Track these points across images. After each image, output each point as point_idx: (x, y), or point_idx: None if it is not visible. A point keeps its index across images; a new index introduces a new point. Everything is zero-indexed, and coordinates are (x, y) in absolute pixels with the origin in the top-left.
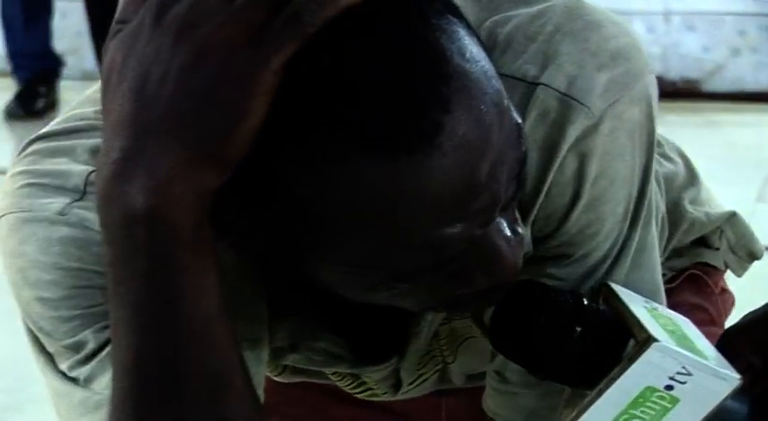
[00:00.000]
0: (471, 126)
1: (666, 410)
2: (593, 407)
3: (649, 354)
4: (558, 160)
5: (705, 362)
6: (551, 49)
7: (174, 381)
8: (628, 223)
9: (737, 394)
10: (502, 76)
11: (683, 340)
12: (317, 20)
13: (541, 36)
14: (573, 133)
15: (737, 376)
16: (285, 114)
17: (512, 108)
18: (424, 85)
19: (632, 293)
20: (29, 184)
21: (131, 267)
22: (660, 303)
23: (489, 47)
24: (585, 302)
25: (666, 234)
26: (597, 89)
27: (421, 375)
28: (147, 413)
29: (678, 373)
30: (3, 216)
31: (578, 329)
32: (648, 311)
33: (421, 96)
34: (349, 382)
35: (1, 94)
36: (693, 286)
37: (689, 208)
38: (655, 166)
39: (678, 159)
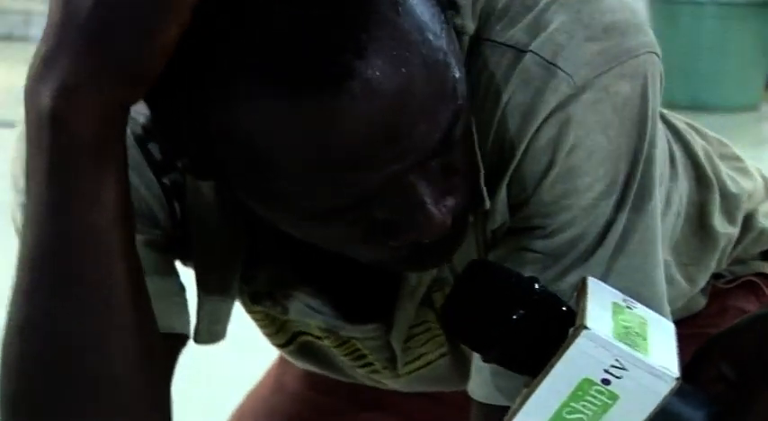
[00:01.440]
0: (387, 75)
1: (607, 407)
2: (533, 396)
3: (580, 342)
4: (535, 125)
5: (640, 356)
6: (544, 19)
7: (57, 282)
8: (612, 204)
9: (697, 401)
10: (495, 43)
11: (632, 337)
12: None
13: (538, 6)
14: (552, 100)
15: (675, 375)
16: (199, 47)
17: (452, 64)
18: (340, 27)
19: (609, 290)
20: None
21: (37, 163)
22: (652, 295)
23: (487, 12)
24: (536, 287)
25: (678, 231)
26: (583, 59)
27: (423, 355)
28: (32, 307)
29: (613, 366)
30: None
31: (521, 312)
32: (613, 306)
33: (335, 39)
34: (346, 351)
35: None
36: (750, 293)
37: (761, 219)
38: (660, 166)
39: (758, 177)
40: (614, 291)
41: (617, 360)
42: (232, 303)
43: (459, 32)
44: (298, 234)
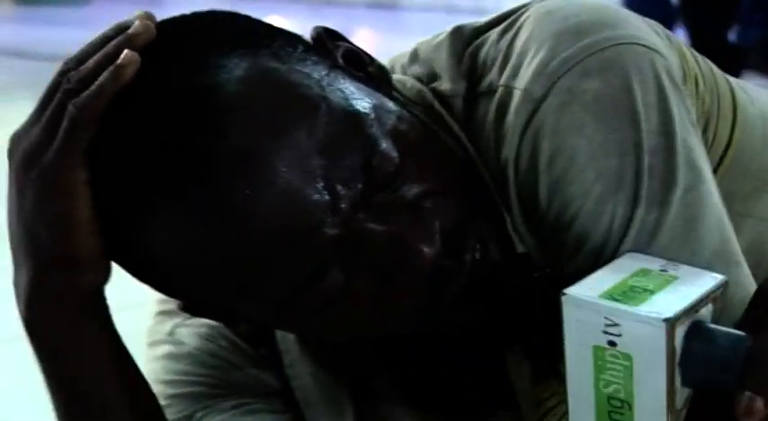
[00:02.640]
0: (252, 144)
1: (629, 368)
2: (568, 380)
3: (566, 310)
4: (514, 151)
5: (625, 308)
6: (510, 52)
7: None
8: (623, 203)
9: (729, 339)
10: (481, 94)
11: (631, 294)
12: (88, 115)
13: (505, 45)
14: (519, 120)
15: (662, 316)
16: (102, 199)
17: (333, 105)
18: (190, 121)
19: (648, 258)
20: (158, 313)
21: (38, 357)
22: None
23: (473, 69)
24: (548, 271)
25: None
26: (536, 70)
27: None
28: None
29: (607, 326)
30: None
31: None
32: (636, 271)
33: (189, 130)
34: None
35: None
36: None
37: None
38: (696, 152)
39: None
40: (657, 259)
41: (606, 318)
42: None
43: (449, 96)
44: (324, 332)
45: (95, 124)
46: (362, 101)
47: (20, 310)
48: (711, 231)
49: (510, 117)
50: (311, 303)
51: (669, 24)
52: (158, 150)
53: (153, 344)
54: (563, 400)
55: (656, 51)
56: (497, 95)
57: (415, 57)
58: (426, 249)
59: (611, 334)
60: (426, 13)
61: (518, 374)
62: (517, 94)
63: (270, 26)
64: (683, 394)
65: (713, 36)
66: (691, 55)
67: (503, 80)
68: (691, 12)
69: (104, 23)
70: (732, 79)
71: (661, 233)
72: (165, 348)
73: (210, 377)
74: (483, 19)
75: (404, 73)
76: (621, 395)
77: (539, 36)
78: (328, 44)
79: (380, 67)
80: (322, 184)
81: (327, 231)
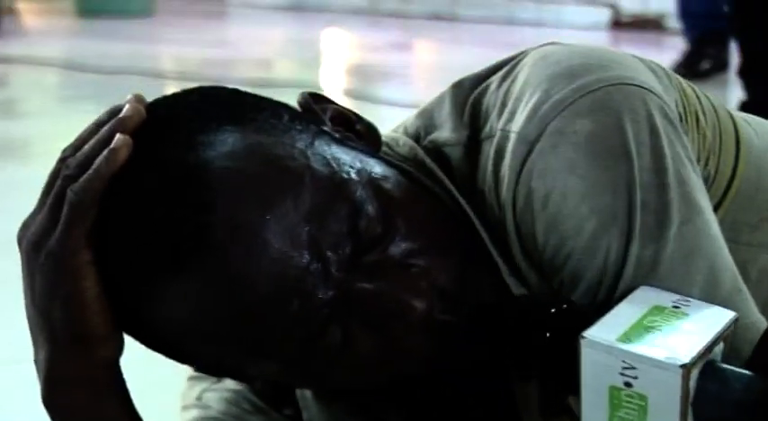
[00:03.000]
0: (241, 217)
1: (644, 408)
2: (584, 416)
3: (585, 352)
4: (511, 193)
5: (643, 353)
6: (507, 98)
7: None
8: (616, 239)
9: (742, 381)
10: (483, 140)
11: (647, 335)
12: (87, 199)
13: (504, 91)
14: (515, 163)
15: (680, 362)
16: (110, 279)
17: (317, 175)
18: (181, 198)
19: (663, 293)
20: (189, 378)
21: None
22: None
23: (475, 117)
24: (564, 307)
25: None
26: (530, 114)
27: None
28: None
29: (624, 368)
30: None
31: (547, 335)
32: (651, 309)
33: (180, 207)
34: None
35: (670, 54)
36: None
37: None
38: (693, 188)
39: None
40: (669, 294)
41: (623, 361)
42: None
43: (449, 145)
44: (333, 385)
45: (95, 206)
46: (347, 166)
47: (40, 388)
48: (702, 254)
49: (506, 160)
50: (314, 359)
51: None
52: (155, 227)
53: (184, 408)
54: None
55: (649, 90)
56: (496, 139)
57: (419, 112)
58: (416, 303)
59: (628, 376)
60: (486, 25)
61: (525, 407)
62: (512, 138)
63: (256, 98)
64: None
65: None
66: (692, 91)
67: (500, 124)
68: (740, 20)
69: (167, 37)
70: (736, 113)
71: (660, 267)
72: (194, 413)
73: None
74: (482, 69)
75: (406, 128)
76: None
77: (533, 81)
78: (315, 108)
79: (368, 125)
80: (311, 252)
81: (320, 295)
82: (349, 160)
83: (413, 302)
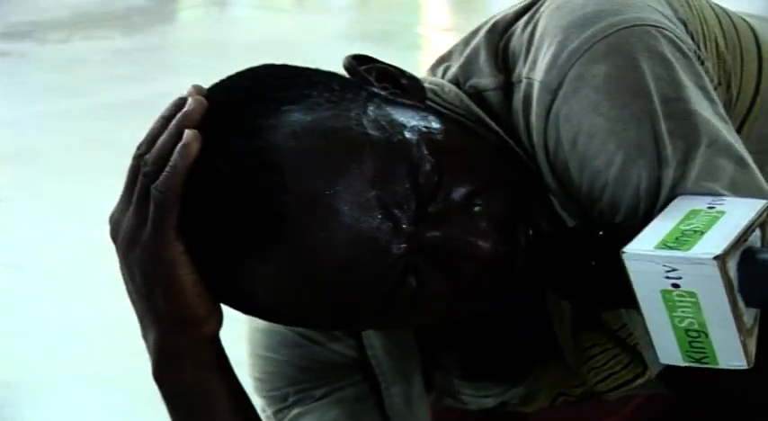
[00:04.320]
0: (312, 193)
1: (696, 304)
2: (649, 326)
3: (629, 266)
4: (542, 137)
5: (679, 254)
6: (530, 46)
7: None
8: (648, 166)
9: None
10: (513, 84)
11: (684, 239)
12: (170, 195)
13: (526, 38)
14: (540, 110)
15: (713, 253)
16: (205, 263)
17: (374, 141)
18: (255, 183)
19: (697, 198)
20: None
21: (166, 405)
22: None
23: (509, 63)
24: (600, 234)
25: None
26: (549, 63)
27: (612, 374)
28: None
29: (668, 271)
30: None
31: (592, 260)
32: (687, 214)
33: (256, 192)
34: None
35: None
36: None
37: None
38: (706, 110)
39: None
40: (704, 198)
41: (664, 265)
42: (421, 416)
43: (489, 90)
44: (409, 327)
45: (178, 200)
46: (400, 126)
47: (151, 365)
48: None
49: (533, 107)
50: (393, 307)
51: None
52: (237, 213)
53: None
54: (605, 349)
55: (660, 27)
56: (522, 87)
57: (454, 54)
58: (481, 243)
59: (673, 277)
60: None
61: (560, 325)
62: (536, 86)
63: (307, 73)
64: (750, 314)
65: None
66: (712, 13)
67: (525, 72)
68: None
69: None
70: (756, 23)
71: (686, 184)
72: (263, 322)
73: (298, 356)
74: (512, 10)
75: (445, 71)
76: (696, 326)
77: (550, 31)
78: (361, 71)
79: (412, 78)
80: (380, 212)
81: (394, 251)
82: (401, 119)
83: (478, 242)
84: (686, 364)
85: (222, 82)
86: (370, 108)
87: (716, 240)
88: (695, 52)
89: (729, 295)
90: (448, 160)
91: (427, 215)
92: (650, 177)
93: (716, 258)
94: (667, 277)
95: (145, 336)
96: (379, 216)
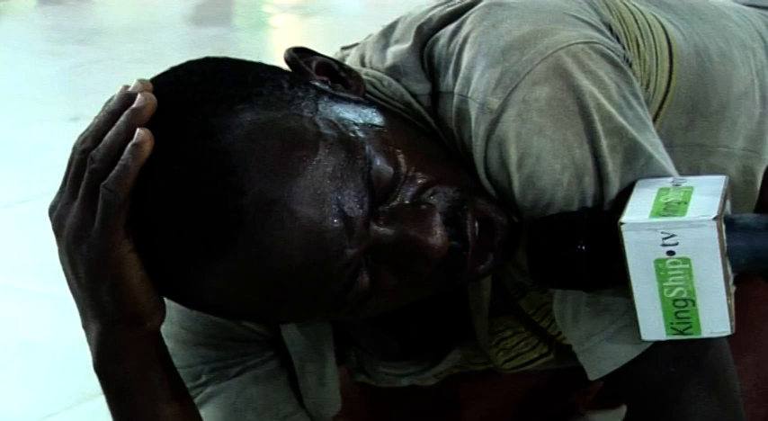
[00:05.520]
0: (269, 194)
1: (689, 270)
2: (636, 298)
3: (627, 236)
4: (482, 154)
5: (677, 218)
6: (460, 60)
7: None
8: (593, 184)
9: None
10: (441, 93)
11: (671, 208)
12: (121, 195)
13: (455, 51)
14: (481, 130)
15: (712, 216)
16: (153, 261)
17: (328, 140)
18: (212, 186)
19: (660, 179)
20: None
21: (106, 397)
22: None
23: (433, 67)
24: (586, 217)
25: None
26: (490, 85)
27: (520, 354)
28: None
29: (665, 239)
30: None
31: (581, 245)
32: (658, 192)
33: (213, 195)
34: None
35: None
36: None
37: None
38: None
39: None
40: (664, 179)
41: (662, 232)
42: (332, 392)
43: (413, 94)
44: (359, 317)
45: (128, 199)
46: (351, 125)
47: (92, 358)
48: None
49: (472, 125)
50: (345, 304)
51: None
52: (191, 216)
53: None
54: (516, 332)
55: (593, 43)
56: (454, 101)
57: (368, 46)
58: (433, 240)
59: (669, 245)
60: None
61: (478, 309)
62: (474, 106)
63: (255, 69)
64: (731, 279)
65: None
66: (630, 15)
67: (457, 88)
68: None
69: None
70: (664, 18)
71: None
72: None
73: (212, 333)
74: (437, 13)
75: (362, 61)
76: (684, 295)
77: (487, 52)
78: (302, 65)
79: (350, 71)
80: (335, 212)
81: (348, 252)
82: (351, 117)
83: (429, 240)
84: (668, 338)
85: (166, 77)
86: (321, 106)
87: (704, 205)
88: (624, 57)
89: (722, 258)
90: (398, 158)
91: (379, 213)
92: (594, 194)
93: (714, 219)
94: (664, 245)
95: (86, 327)
96: (334, 218)
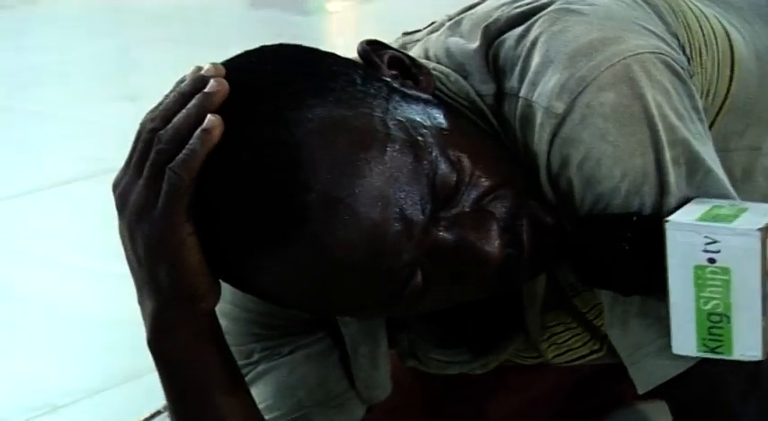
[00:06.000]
0: (334, 193)
1: (727, 282)
2: (672, 307)
3: (670, 235)
4: (544, 158)
5: (724, 225)
6: (527, 64)
7: None
8: (652, 194)
9: None
10: (506, 94)
11: (720, 218)
12: (186, 178)
13: (522, 54)
14: (545, 134)
15: (756, 227)
16: (213, 246)
17: (396, 141)
18: (280, 179)
19: (715, 201)
20: None
21: (159, 373)
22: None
23: (498, 68)
24: (635, 219)
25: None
26: (556, 90)
27: (570, 350)
28: None
29: (707, 244)
30: None
31: (629, 238)
32: (712, 205)
33: (281, 188)
34: None
35: None
36: None
37: None
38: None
39: None
40: (718, 199)
41: (706, 237)
42: (383, 374)
43: (478, 94)
44: (410, 315)
45: (192, 183)
46: (420, 127)
47: (146, 333)
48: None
49: (536, 129)
50: (399, 302)
51: None
52: (257, 206)
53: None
54: (568, 327)
55: (659, 53)
56: (519, 105)
57: (430, 39)
58: (491, 248)
59: (711, 251)
60: None
61: (531, 308)
62: (539, 110)
63: (329, 62)
64: None
65: None
66: (696, 21)
67: (522, 92)
68: None
69: None
70: (726, 22)
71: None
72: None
73: (265, 312)
74: (505, 14)
75: (426, 55)
76: (720, 309)
77: (554, 57)
78: (375, 60)
79: (421, 67)
80: (397, 215)
81: (406, 254)
82: (420, 119)
83: (487, 247)
84: (699, 354)
85: (240, 63)
86: (392, 106)
87: (753, 220)
88: (687, 70)
89: (763, 273)
90: (463, 162)
91: (441, 218)
92: (653, 204)
93: (759, 230)
94: (705, 250)
95: (141, 303)
96: (395, 222)
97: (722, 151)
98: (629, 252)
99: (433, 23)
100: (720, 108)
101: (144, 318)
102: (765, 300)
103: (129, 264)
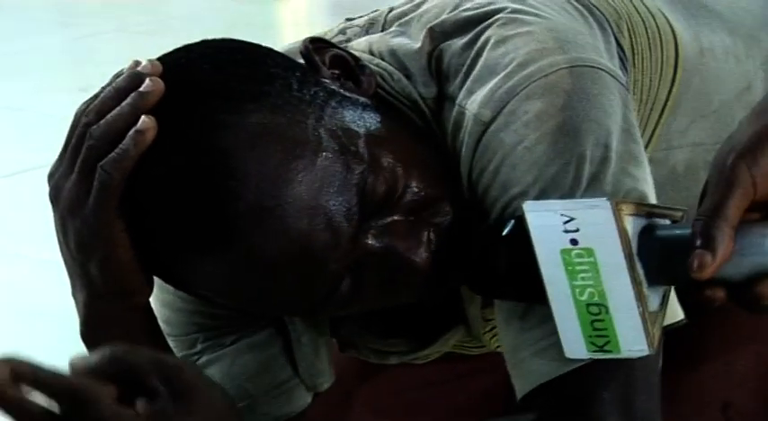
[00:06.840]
0: (264, 202)
1: (595, 264)
2: (552, 304)
3: (529, 219)
4: (466, 163)
5: (576, 200)
6: (469, 73)
7: None
8: (567, 192)
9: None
10: (445, 99)
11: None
12: (117, 177)
13: (467, 62)
14: (471, 140)
15: (605, 197)
16: (145, 244)
17: (328, 150)
18: (211, 186)
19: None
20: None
21: None
22: None
23: (441, 71)
24: (512, 222)
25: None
26: (485, 98)
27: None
28: None
29: (565, 223)
30: None
31: (504, 249)
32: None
33: (211, 195)
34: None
35: None
36: None
37: None
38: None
39: None
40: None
41: (563, 215)
42: (326, 363)
43: (420, 95)
44: (339, 313)
45: (123, 182)
46: (354, 136)
47: (79, 326)
48: None
49: (464, 136)
50: (327, 307)
51: None
52: (186, 211)
53: None
54: None
55: (599, 68)
56: (454, 111)
57: (393, 41)
58: (418, 259)
59: (571, 231)
60: None
61: (470, 304)
62: (470, 117)
63: (268, 63)
64: (655, 297)
65: None
66: (642, 24)
67: (459, 99)
68: None
69: None
70: (673, 19)
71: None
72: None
73: (207, 303)
74: (452, 18)
75: (380, 52)
76: (596, 298)
77: (493, 67)
78: (316, 60)
79: (364, 67)
80: (324, 226)
81: (335, 263)
82: (354, 127)
83: (414, 258)
84: (590, 355)
85: (178, 58)
86: (327, 113)
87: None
88: (624, 85)
89: (625, 249)
90: (396, 171)
91: (371, 227)
92: None
93: (609, 200)
94: (566, 230)
95: (74, 295)
96: (322, 231)
97: (665, 149)
98: (507, 255)
99: (375, 11)
100: (662, 112)
101: (77, 311)
102: (637, 284)
103: (63, 256)
